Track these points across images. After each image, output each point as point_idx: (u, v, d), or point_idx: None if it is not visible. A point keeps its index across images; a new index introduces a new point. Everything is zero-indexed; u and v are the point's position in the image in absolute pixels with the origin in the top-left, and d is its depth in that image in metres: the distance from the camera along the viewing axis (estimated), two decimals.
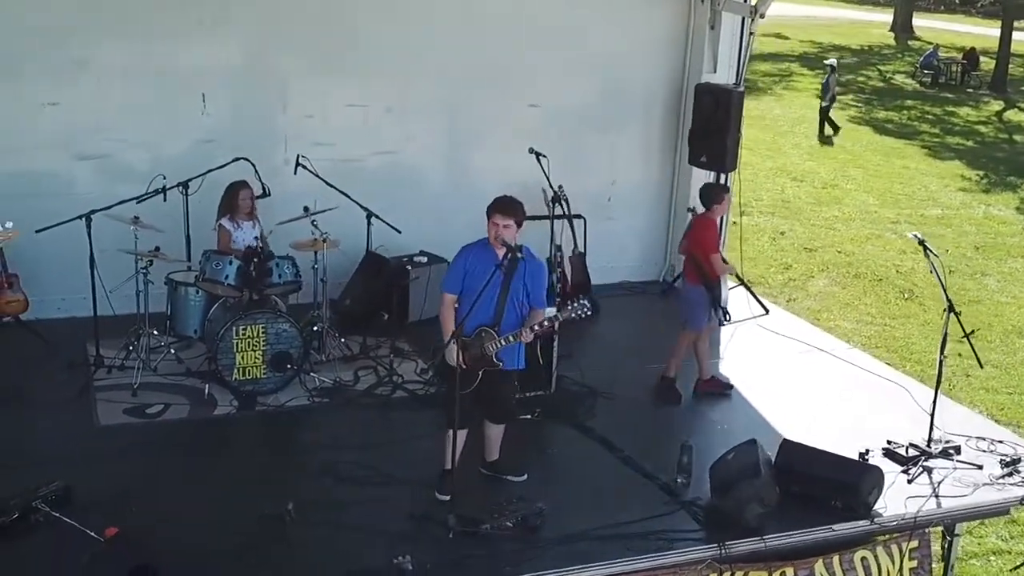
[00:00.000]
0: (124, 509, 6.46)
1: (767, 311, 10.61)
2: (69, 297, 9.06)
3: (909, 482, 7.40)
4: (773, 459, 7.10)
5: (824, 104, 25.15)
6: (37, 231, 8.08)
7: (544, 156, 9.84)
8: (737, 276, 10.59)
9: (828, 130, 25.11)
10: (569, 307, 6.59)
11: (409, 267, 9.68)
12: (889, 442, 7.84)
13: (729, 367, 9.41)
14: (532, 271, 6.73)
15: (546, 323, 6.68)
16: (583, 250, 10.53)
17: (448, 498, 6.67)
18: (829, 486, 6.95)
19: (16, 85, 9.10)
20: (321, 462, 7.33)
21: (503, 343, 6.70)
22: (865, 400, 8.88)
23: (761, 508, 6.67)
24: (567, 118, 10.82)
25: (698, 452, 7.32)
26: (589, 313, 6.59)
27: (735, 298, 10.74)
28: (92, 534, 6.10)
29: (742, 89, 10.13)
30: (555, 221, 10.19)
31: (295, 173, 8.84)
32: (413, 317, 9.73)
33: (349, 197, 8.91)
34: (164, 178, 8.38)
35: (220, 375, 8.08)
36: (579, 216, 10.48)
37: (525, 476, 7.25)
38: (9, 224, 8.05)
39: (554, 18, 10.59)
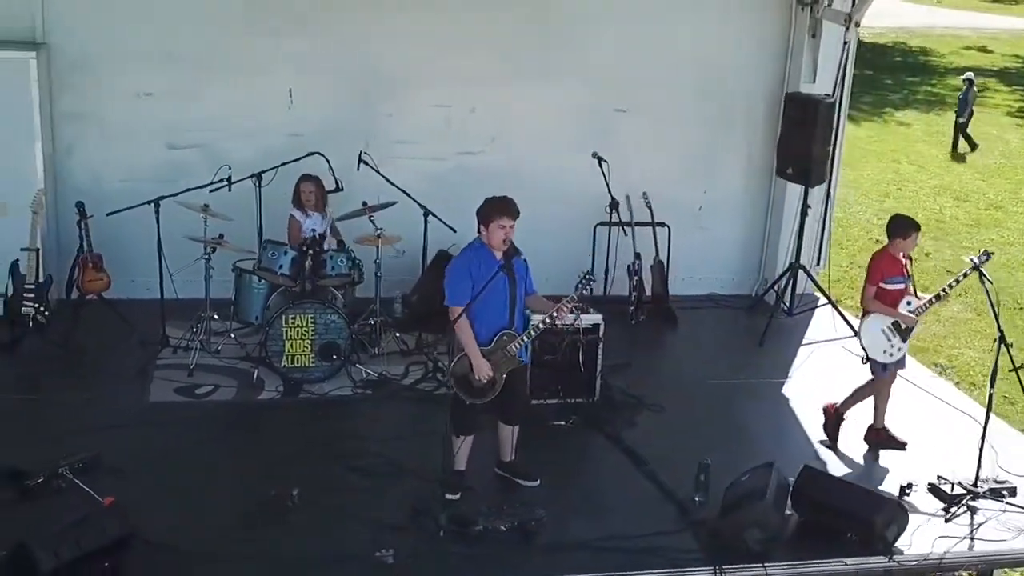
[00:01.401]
0: (142, 481, 6.80)
1: (856, 333, 10.12)
2: (156, 279, 9.50)
3: (947, 521, 6.94)
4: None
5: (961, 120, 23.69)
6: (108, 214, 8.60)
7: (606, 161, 9.72)
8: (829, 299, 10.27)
9: (964, 147, 23.66)
10: (578, 284, 6.82)
11: None
12: (939, 478, 7.35)
13: (798, 388, 9.05)
14: (526, 265, 6.88)
15: (565, 304, 6.77)
16: (664, 260, 10.30)
17: (448, 497, 6.76)
18: (843, 517, 6.59)
19: (116, 76, 9.64)
20: (342, 450, 7.48)
21: (525, 339, 6.84)
22: (932, 432, 8.33)
23: (761, 533, 6.38)
24: (660, 124, 10.55)
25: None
26: (593, 281, 6.88)
27: (823, 317, 10.34)
28: (102, 501, 6.43)
29: (832, 100, 9.66)
30: (636, 229, 10.05)
31: (358, 169, 9.02)
32: None
33: (407, 194, 9.03)
34: (229, 168, 8.70)
35: (270, 361, 8.34)
36: (662, 224, 10.29)
37: (538, 482, 7.18)
38: None
39: (652, 23, 10.39)
